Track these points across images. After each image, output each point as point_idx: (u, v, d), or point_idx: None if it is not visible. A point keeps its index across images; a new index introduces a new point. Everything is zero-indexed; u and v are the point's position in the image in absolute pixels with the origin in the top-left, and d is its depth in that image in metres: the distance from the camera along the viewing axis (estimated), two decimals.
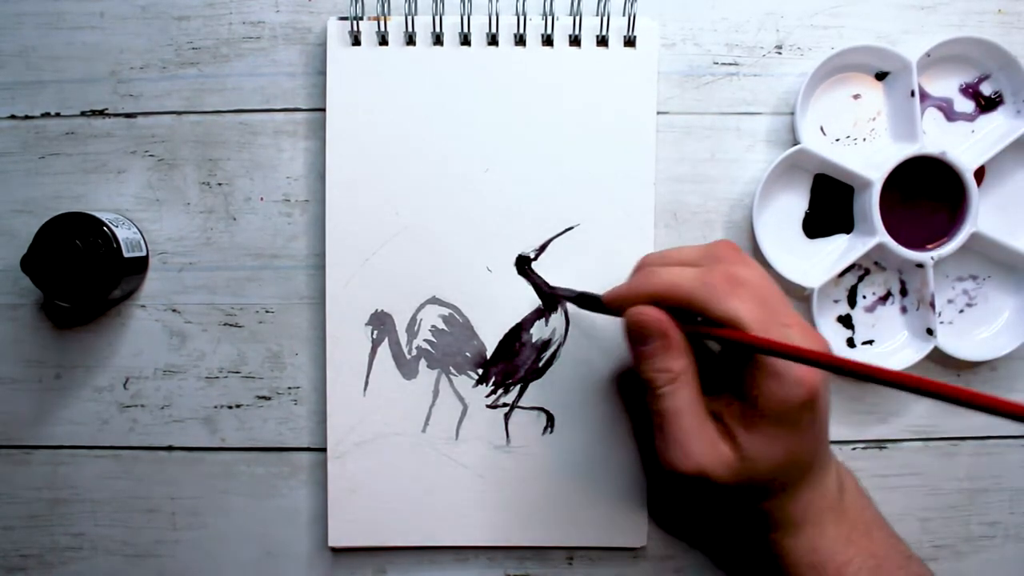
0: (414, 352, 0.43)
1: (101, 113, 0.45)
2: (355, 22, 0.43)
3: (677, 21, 0.44)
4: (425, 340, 0.43)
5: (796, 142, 0.43)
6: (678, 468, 0.35)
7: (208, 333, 0.45)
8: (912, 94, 0.42)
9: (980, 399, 0.27)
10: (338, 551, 0.44)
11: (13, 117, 0.45)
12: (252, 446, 0.45)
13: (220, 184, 0.45)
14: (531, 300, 0.43)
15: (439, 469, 0.43)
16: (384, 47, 0.43)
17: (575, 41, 0.43)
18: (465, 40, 0.43)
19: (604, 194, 0.43)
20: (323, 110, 0.43)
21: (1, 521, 0.45)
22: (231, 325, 0.45)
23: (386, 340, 0.43)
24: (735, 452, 0.35)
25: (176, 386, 0.45)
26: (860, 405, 0.45)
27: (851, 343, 0.44)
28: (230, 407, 0.45)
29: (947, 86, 0.44)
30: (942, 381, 0.28)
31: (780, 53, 0.44)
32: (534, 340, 0.43)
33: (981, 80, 0.44)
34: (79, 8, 0.44)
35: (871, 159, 0.43)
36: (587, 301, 0.41)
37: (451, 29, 0.43)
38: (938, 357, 0.44)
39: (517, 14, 0.42)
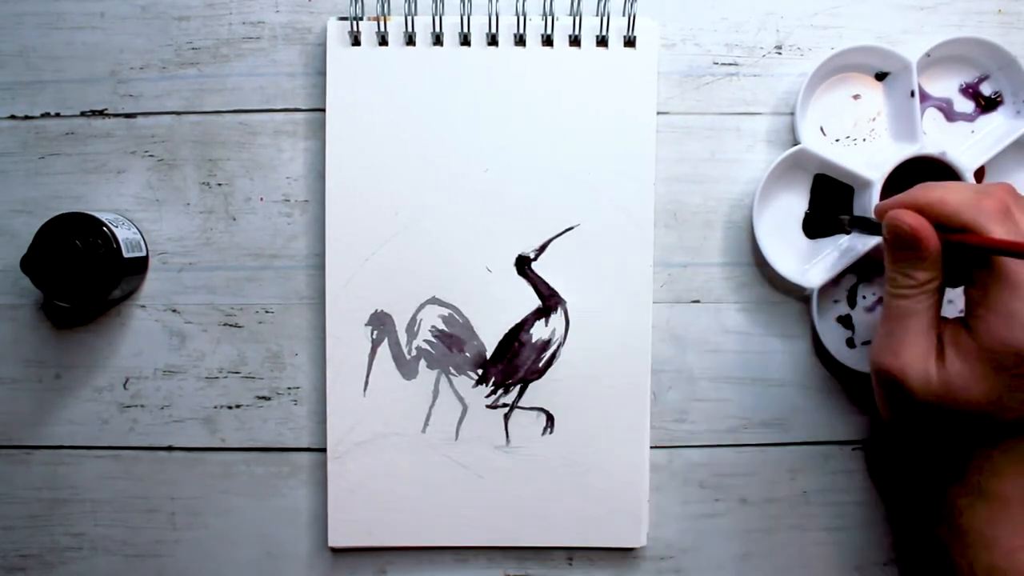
0: (414, 352, 0.43)
1: (101, 113, 0.45)
2: (355, 22, 0.43)
3: (677, 21, 0.44)
4: (425, 340, 0.43)
5: (796, 142, 0.43)
6: (884, 364, 0.35)
7: (208, 333, 0.45)
8: (912, 94, 0.42)
9: None
10: (338, 551, 0.44)
11: (13, 117, 0.45)
12: (252, 446, 0.45)
13: (220, 184, 0.45)
14: (531, 300, 0.43)
15: (439, 469, 0.43)
16: (384, 47, 0.43)
17: (575, 41, 0.43)
18: (465, 40, 0.43)
19: (604, 194, 0.43)
20: (323, 110, 0.43)
21: (1, 521, 0.45)
22: (231, 325, 0.45)
23: (386, 340, 0.43)
24: (939, 369, 0.34)
25: (176, 386, 0.45)
26: (860, 405, 0.45)
27: (851, 343, 0.44)
28: (230, 407, 0.45)
29: (947, 86, 0.44)
30: None
31: (780, 53, 0.44)
32: (534, 340, 0.43)
33: (981, 80, 0.44)
34: (79, 8, 0.44)
35: (871, 159, 0.43)
36: (860, 223, 0.41)
37: (451, 29, 0.43)
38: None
39: (517, 14, 0.42)
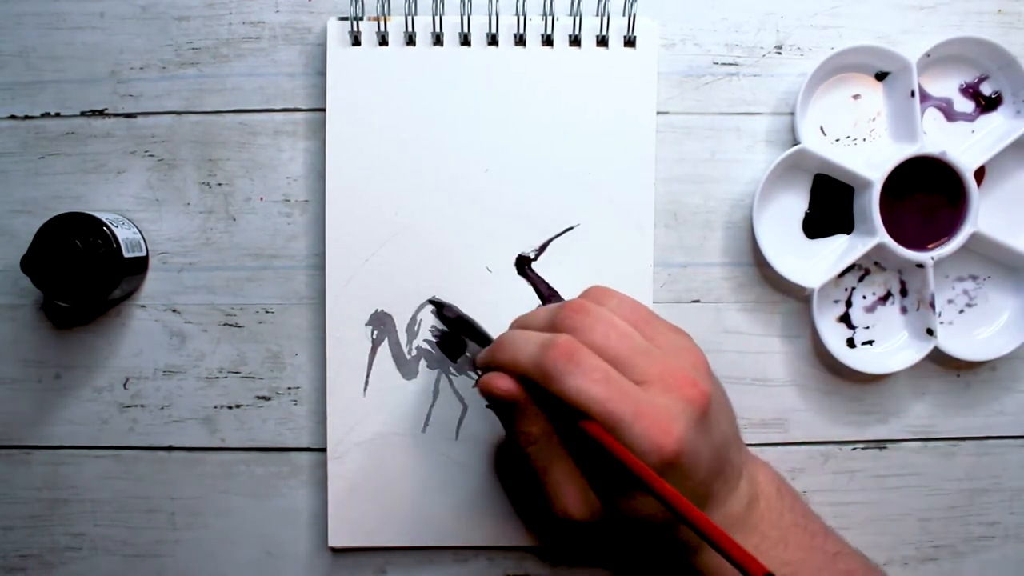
0: (414, 352, 0.43)
1: (101, 113, 0.45)
2: (355, 22, 0.43)
3: (677, 21, 0.44)
4: (425, 340, 0.43)
5: (796, 142, 0.43)
6: (571, 515, 0.35)
7: (208, 333, 0.45)
8: (912, 94, 0.42)
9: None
10: (338, 551, 0.44)
11: (13, 117, 0.45)
12: (252, 446, 0.45)
13: (220, 184, 0.45)
14: (531, 300, 0.43)
15: (439, 469, 0.43)
16: (384, 47, 0.43)
17: (575, 41, 0.43)
18: (465, 40, 0.43)
19: (604, 194, 0.43)
20: (323, 110, 0.43)
21: (1, 521, 0.45)
22: (231, 325, 0.45)
23: (386, 340, 0.43)
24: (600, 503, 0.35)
25: (176, 386, 0.45)
26: (860, 405, 0.45)
27: (851, 343, 0.44)
28: (230, 407, 0.45)
29: (947, 86, 0.44)
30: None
31: (780, 53, 0.44)
32: None
33: (981, 80, 0.44)
34: (79, 8, 0.44)
35: (871, 159, 0.43)
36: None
37: (451, 29, 0.43)
38: (938, 357, 0.44)
39: (517, 14, 0.42)
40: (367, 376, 0.43)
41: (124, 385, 0.45)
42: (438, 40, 0.43)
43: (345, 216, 0.43)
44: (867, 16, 0.44)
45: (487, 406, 0.42)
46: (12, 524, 0.45)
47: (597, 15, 0.43)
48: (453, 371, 0.44)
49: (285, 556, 0.45)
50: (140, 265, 0.44)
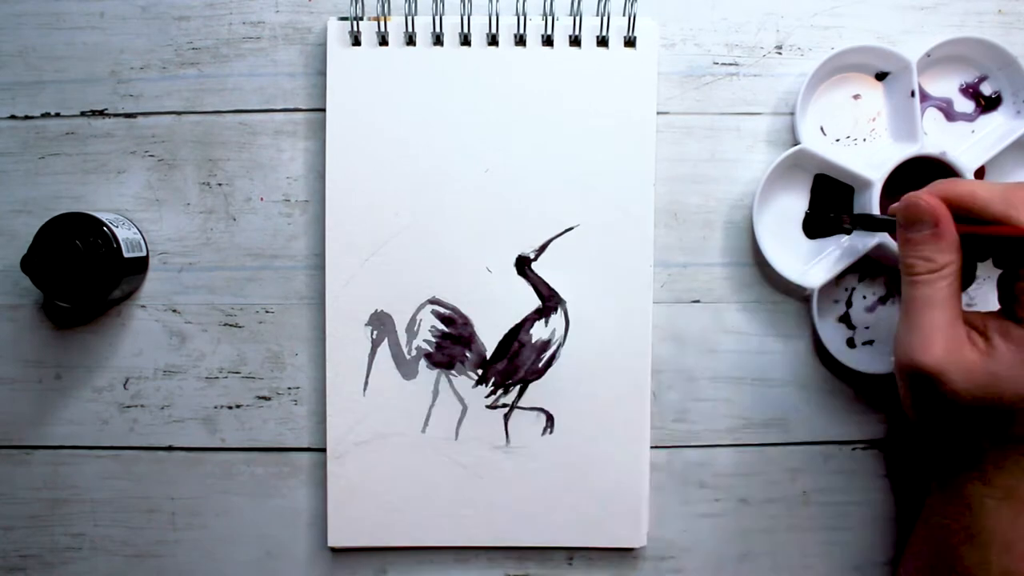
0: (414, 352, 0.43)
1: (101, 113, 0.45)
2: (355, 22, 0.43)
3: (677, 21, 0.44)
4: (425, 340, 0.43)
5: (796, 142, 0.43)
6: (916, 361, 0.33)
7: (208, 333, 0.45)
8: (912, 94, 0.42)
9: None
10: (338, 551, 0.44)
11: (13, 117, 0.45)
12: (252, 446, 0.45)
13: (220, 184, 0.45)
14: (531, 300, 0.43)
15: (439, 469, 0.43)
16: (384, 47, 0.43)
17: (575, 41, 0.43)
18: (465, 40, 0.43)
19: (604, 195, 0.43)
20: (323, 110, 0.43)
21: (1, 521, 0.45)
22: (231, 325, 0.45)
23: (386, 340, 0.43)
24: (982, 359, 0.32)
25: (176, 386, 0.45)
26: (859, 405, 0.45)
27: (851, 343, 0.44)
28: (230, 407, 0.45)
29: (947, 86, 0.44)
30: None
31: (780, 53, 0.44)
32: (534, 340, 0.43)
33: (981, 80, 0.44)
34: (79, 8, 0.44)
35: (871, 159, 0.43)
36: (864, 221, 0.41)
37: (451, 29, 0.43)
38: None
39: (517, 14, 0.42)
40: (367, 376, 0.43)
41: (124, 385, 0.45)
42: (438, 40, 0.43)
43: (345, 216, 0.43)
44: (867, 16, 0.44)
45: (900, 226, 0.36)
46: (12, 524, 0.45)
47: (597, 15, 0.43)
48: (453, 371, 0.44)
49: (285, 556, 0.45)
50: (140, 265, 0.44)
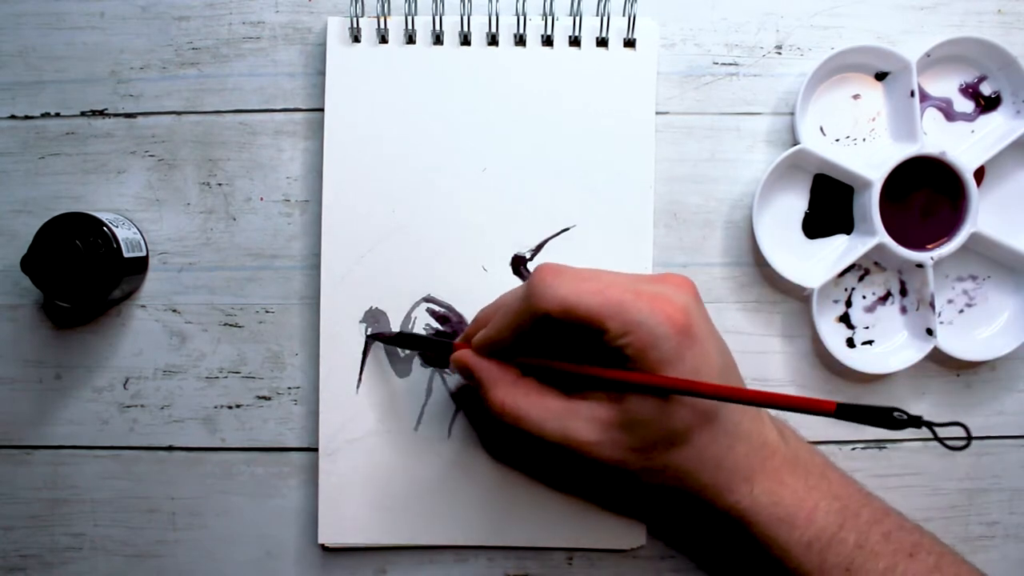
0: (408, 351, 0.43)
1: (101, 113, 0.45)
2: (355, 19, 0.43)
3: (677, 21, 0.44)
4: None
5: (796, 142, 0.43)
6: (585, 453, 0.35)
7: (208, 333, 0.45)
8: (912, 94, 0.42)
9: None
10: (337, 551, 0.44)
11: (13, 117, 0.45)
12: (252, 446, 0.45)
13: (220, 184, 0.45)
14: None
15: (431, 467, 0.43)
16: (384, 45, 0.43)
17: (575, 42, 0.43)
18: (465, 40, 0.43)
19: (602, 195, 0.43)
20: (323, 110, 0.43)
21: (1, 521, 0.45)
22: (231, 325, 0.45)
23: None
24: (609, 406, 0.35)
25: (176, 386, 0.45)
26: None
27: (851, 343, 0.44)
28: (230, 407, 0.45)
29: (947, 86, 0.44)
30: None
31: (780, 53, 0.44)
32: None
33: (981, 80, 0.44)
34: (79, 8, 0.44)
35: (871, 159, 0.43)
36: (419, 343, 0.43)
37: (451, 29, 0.43)
38: (938, 357, 0.44)
39: (517, 14, 0.42)
40: (360, 373, 0.43)
41: (124, 385, 0.45)
42: (438, 39, 0.43)
43: (341, 213, 0.43)
44: (867, 16, 0.44)
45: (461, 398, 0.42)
46: (12, 524, 0.45)
47: (597, 15, 0.43)
48: (447, 370, 0.44)
49: (285, 556, 0.45)
50: (140, 265, 0.44)
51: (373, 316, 0.43)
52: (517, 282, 0.43)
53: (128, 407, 0.45)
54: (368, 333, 0.43)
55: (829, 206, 0.44)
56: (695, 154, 0.44)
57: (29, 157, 0.45)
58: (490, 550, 0.44)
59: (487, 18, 0.43)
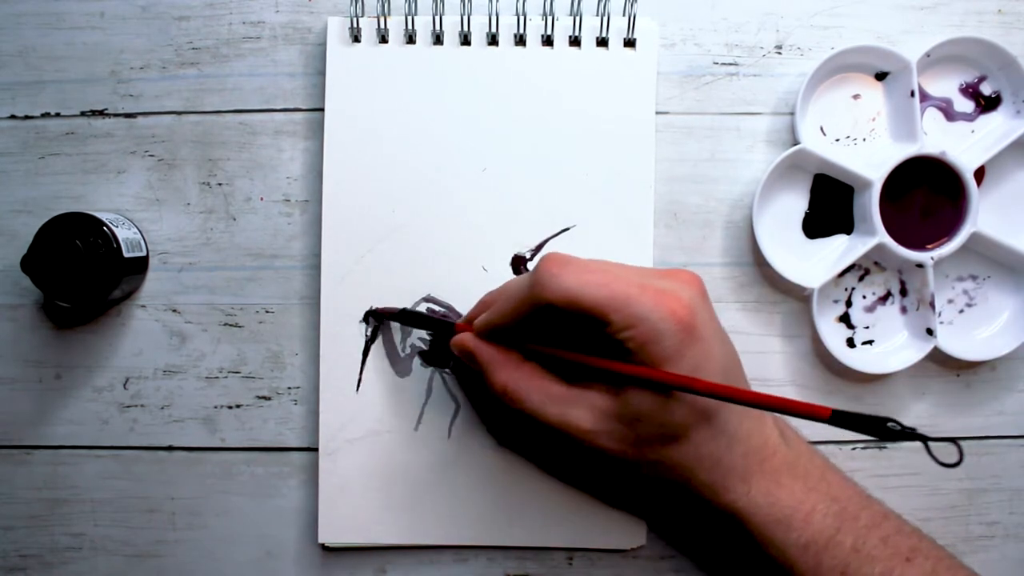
0: (408, 350, 0.43)
1: (101, 113, 0.45)
2: (355, 19, 0.43)
3: (677, 21, 0.44)
4: (419, 338, 0.43)
5: (796, 142, 0.43)
6: (584, 440, 0.36)
7: (208, 333, 0.45)
8: (912, 94, 0.42)
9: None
10: (337, 551, 0.44)
11: (13, 117, 0.45)
12: (252, 446, 0.45)
13: (220, 184, 0.45)
14: None
15: (431, 467, 0.43)
16: (384, 45, 0.43)
17: (575, 42, 0.43)
18: (465, 40, 0.43)
19: (602, 195, 0.43)
20: (323, 110, 0.43)
21: (1, 521, 0.45)
22: (231, 325, 0.45)
23: (380, 338, 0.43)
24: (609, 397, 0.35)
25: (176, 386, 0.45)
26: (860, 405, 0.45)
27: (851, 343, 0.44)
28: (230, 407, 0.45)
29: (947, 86, 0.44)
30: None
31: (780, 53, 0.44)
32: None
33: (981, 80, 0.44)
34: (79, 8, 0.44)
35: (871, 159, 0.43)
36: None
37: (451, 29, 0.43)
38: (938, 357, 0.44)
39: (517, 14, 0.42)
40: (360, 373, 0.43)
41: (124, 385, 0.45)
42: (438, 39, 0.43)
43: (341, 212, 0.43)
44: (867, 16, 0.44)
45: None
46: (12, 524, 0.45)
47: (597, 15, 0.43)
48: (447, 370, 0.44)
49: (285, 556, 0.45)
50: (140, 265, 0.44)
51: (373, 316, 0.43)
52: None
53: (128, 407, 0.45)
54: (371, 309, 0.43)
55: (829, 206, 0.44)
56: (695, 154, 0.44)
57: (29, 157, 0.45)
58: (490, 550, 0.44)
59: (487, 18, 0.43)
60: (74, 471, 0.45)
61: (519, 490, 0.43)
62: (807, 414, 0.31)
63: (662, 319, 0.32)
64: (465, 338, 0.38)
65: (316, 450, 0.44)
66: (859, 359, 0.43)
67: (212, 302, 0.45)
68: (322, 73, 0.44)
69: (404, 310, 0.42)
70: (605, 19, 0.43)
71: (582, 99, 0.43)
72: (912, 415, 0.45)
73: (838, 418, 0.30)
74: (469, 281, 0.43)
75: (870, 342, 0.44)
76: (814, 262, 0.44)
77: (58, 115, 0.45)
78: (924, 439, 0.30)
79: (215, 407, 0.45)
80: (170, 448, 0.45)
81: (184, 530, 0.45)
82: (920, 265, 0.42)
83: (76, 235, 0.40)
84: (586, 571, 0.45)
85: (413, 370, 0.43)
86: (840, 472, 0.38)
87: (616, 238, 0.43)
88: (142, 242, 0.44)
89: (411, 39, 0.43)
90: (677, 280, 0.35)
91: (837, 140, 0.44)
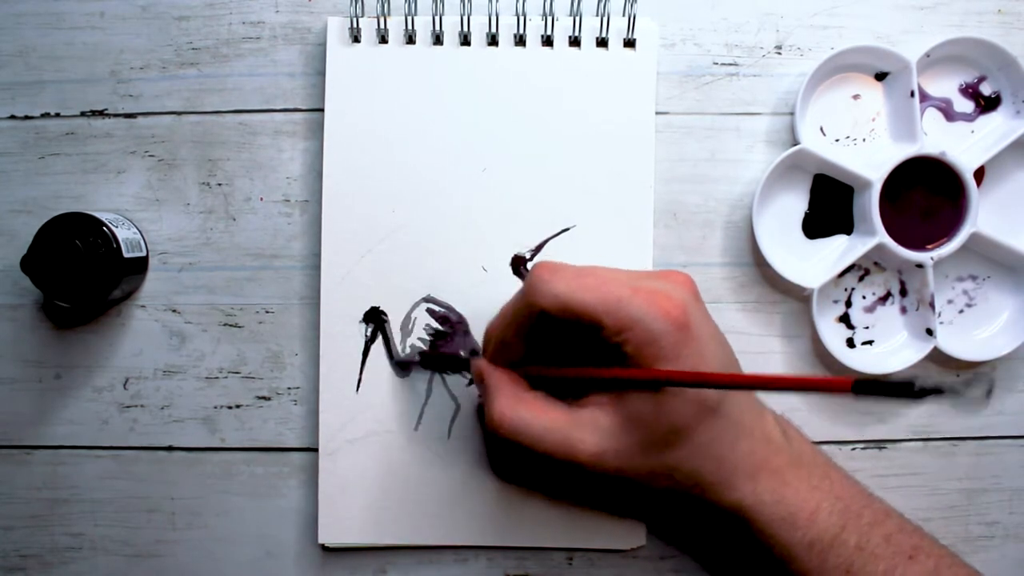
0: (408, 350, 0.43)
1: (101, 113, 0.45)
2: (355, 19, 0.43)
3: (677, 21, 0.44)
4: (419, 339, 0.43)
5: (796, 142, 0.43)
6: (587, 466, 0.35)
7: (208, 333, 0.45)
8: (912, 94, 0.42)
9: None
10: (337, 551, 0.44)
11: (13, 117, 0.45)
12: (252, 446, 0.45)
13: (220, 184, 0.45)
14: None
15: (431, 468, 0.43)
16: (384, 45, 0.43)
17: (575, 42, 0.43)
18: (465, 40, 0.43)
19: (602, 195, 0.43)
20: (323, 110, 0.43)
21: (1, 521, 0.45)
22: (231, 325, 0.45)
23: (380, 338, 0.43)
24: (610, 411, 0.35)
25: (176, 386, 0.45)
26: (859, 405, 0.45)
27: (851, 343, 0.44)
28: (230, 407, 0.45)
29: (947, 86, 0.44)
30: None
31: (780, 53, 0.44)
32: None
33: (981, 80, 0.44)
34: (79, 8, 0.44)
35: (871, 159, 0.43)
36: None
37: (451, 29, 0.43)
38: (938, 357, 0.44)
39: (517, 14, 0.42)
40: (360, 374, 0.43)
41: (124, 385, 0.45)
42: (438, 40, 0.43)
43: (341, 212, 0.43)
44: (867, 16, 0.44)
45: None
46: (12, 524, 0.45)
47: (597, 15, 0.43)
48: (445, 371, 0.44)
49: (285, 556, 0.45)
50: (140, 265, 0.44)
51: (373, 316, 0.43)
52: (517, 282, 0.43)
53: (128, 407, 0.45)
54: (419, 360, 0.43)
55: (829, 206, 0.44)
56: (695, 154, 0.44)
57: (29, 157, 0.45)
58: (490, 550, 0.44)
59: (487, 18, 0.43)
60: (74, 471, 0.45)
61: (519, 490, 0.43)
62: (828, 388, 0.30)
63: (655, 319, 0.32)
64: (480, 361, 0.38)
65: (316, 450, 0.44)
66: (859, 359, 0.43)
67: (212, 302, 0.45)
68: (322, 73, 0.44)
69: (423, 353, 0.43)
70: (605, 19, 0.43)
71: (582, 99, 0.43)
72: (912, 415, 0.45)
73: (861, 387, 0.29)
74: (469, 281, 0.43)
75: (870, 342, 0.44)
76: (814, 262, 0.44)
77: (58, 115, 0.45)
78: (956, 390, 0.29)
79: (215, 407, 0.45)
80: (170, 448, 0.45)
81: (184, 530, 0.45)
82: (920, 265, 0.42)
83: (76, 235, 0.40)
84: (586, 571, 0.45)
85: (413, 370, 0.43)
86: (842, 470, 0.38)
87: (616, 238, 0.43)
88: (142, 242, 0.44)
89: (411, 39, 0.43)
90: (669, 281, 0.35)
91: (837, 140, 0.44)
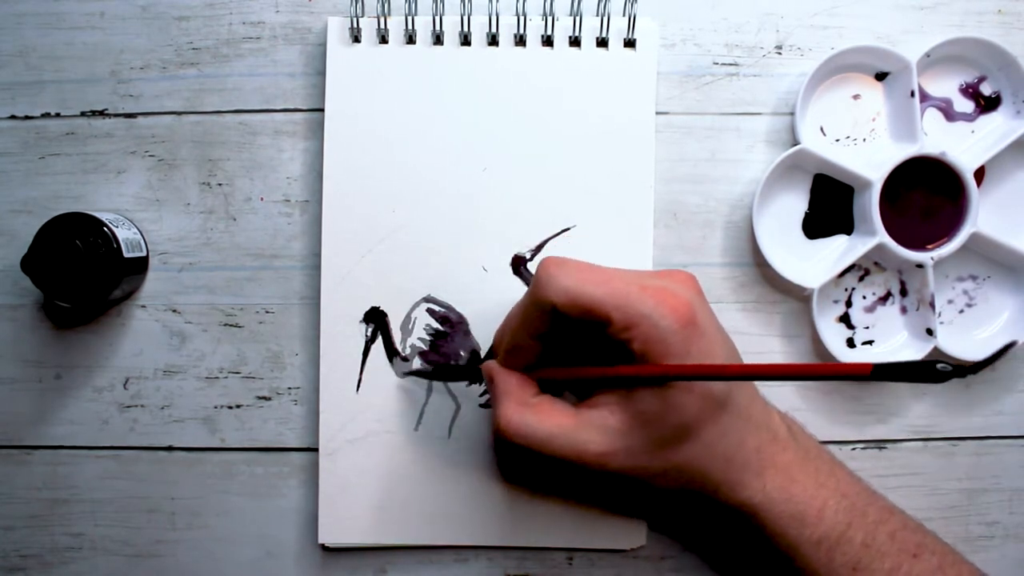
0: (408, 350, 0.43)
1: (101, 113, 0.45)
2: (355, 19, 0.43)
3: (677, 21, 0.44)
4: (419, 338, 0.43)
5: (796, 142, 0.43)
6: (593, 466, 0.35)
7: (208, 333, 0.45)
8: (912, 94, 0.42)
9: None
10: (337, 551, 0.44)
11: (13, 117, 0.45)
12: (252, 446, 0.45)
13: (220, 184, 0.45)
14: None
15: (431, 468, 0.43)
16: (384, 45, 0.43)
17: (575, 42, 0.43)
18: (465, 40, 0.43)
19: (602, 195, 0.43)
20: (323, 110, 0.43)
21: (1, 521, 0.45)
22: (231, 325, 0.45)
23: (380, 338, 0.43)
24: (618, 411, 0.35)
25: (176, 386, 0.45)
26: (859, 405, 0.45)
27: (851, 343, 0.44)
28: (230, 407, 0.45)
29: (947, 86, 0.44)
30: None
31: (780, 53, 0.44)
32: None
33: (981, 80, 0.44)
34: (79, 8, 0.44)
35: (871, 159, 0.43)
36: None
37: (451, 29, 0.43)
38: (938, 357, 0.44)
39: (517, 14, 0.42)
40: (360, 373, 0.43)
41: (124, 385, 0.45)
42: (438, 40, 0.43)
43: (342, 212, 0.43)
44: (867, 16, 0.44)
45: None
46: (12, 524, 0.45)
47: (597, 15, 0.43)
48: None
49: (285, 556, 0.45)
50: (140, 265, 0.44)
51: (373, 316, 0.43)
52: (517, 282, 0.43)
53: (128, 407, 0.45)
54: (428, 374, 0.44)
55: (829, 206, 0.44)
56: (695, 154, 0.44)
57: (29, 157, 0.45)
58: (490, 550, 0.44)
59: (487, 18, 0.43)
60: (74, 471, 0.45)
61: (519, 490, 0.43)
62: (846, 375, 0.30)
63: (663, 316, 0.32)
64: (490, 363, 0.38)
65: (316, 450, 0.44)
66: (859, 359, 0.43)
67: (212, 302, 0.45)
68: (322, 73, 0.44)
69: (437, 365, 0.43)
70: (605, 19, 0.43)
71: (582, 99, 0.43)
72: (912, 415, 0.45)
73: (881, 372, 0.29)
74: (469, 281, 0.43)
75: (870, 342, 0.44)
76: (814, 262, 0.44)
77: (58, 115, 0.45)
78: (975, 366, 0.29)
79: (215, 407, 0.45)
80: (170, 448, 0.45)
81: (184, 530, 0.45)
82: (920, 265, 0.42)
83: (76, 235, 0.40)
84: (586, 571, 0.45)
85: (413, 370, 0.43)
86: (846, 468, 0.38)
87: (616, 238, 0.43)
88: (142, 242, 0.44)
89: (411, 39, 0.43)
90: (673, 279, 0.35)
91: (837, 140, 0.44)
